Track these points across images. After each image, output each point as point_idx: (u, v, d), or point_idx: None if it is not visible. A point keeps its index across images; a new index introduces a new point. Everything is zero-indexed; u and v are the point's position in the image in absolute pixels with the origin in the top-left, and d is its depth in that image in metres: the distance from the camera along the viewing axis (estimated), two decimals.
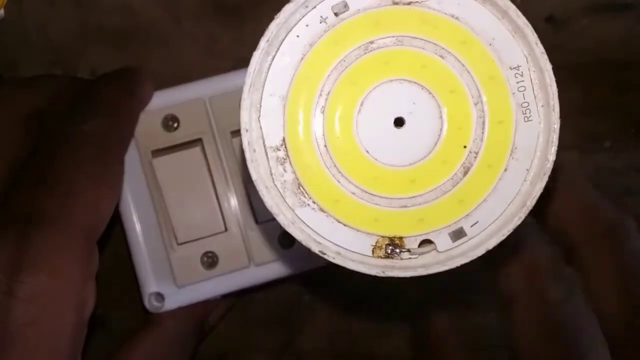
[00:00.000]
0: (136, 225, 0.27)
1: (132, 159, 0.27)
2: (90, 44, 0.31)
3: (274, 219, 0.27)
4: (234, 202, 0.28)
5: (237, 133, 0.27)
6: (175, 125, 0.27)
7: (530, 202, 0.20)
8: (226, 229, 0.28)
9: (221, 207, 0.28)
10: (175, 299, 0.28)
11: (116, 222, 0.28)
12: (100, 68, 0.31)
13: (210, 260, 0.28)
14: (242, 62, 0.28)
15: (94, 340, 0.24)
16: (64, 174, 0.23)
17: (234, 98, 0.27)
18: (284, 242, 0.28)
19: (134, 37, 0.31)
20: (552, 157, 0.20)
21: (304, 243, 0.20)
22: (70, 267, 0.22)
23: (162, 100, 0.27)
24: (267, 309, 0.31)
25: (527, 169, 0.20)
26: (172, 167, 0.27)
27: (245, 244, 0.27)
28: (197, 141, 0.28)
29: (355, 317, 0.32)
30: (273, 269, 0.28)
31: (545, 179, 0.20)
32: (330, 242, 0.20)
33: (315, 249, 0.20)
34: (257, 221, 0.28)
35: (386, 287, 0.31)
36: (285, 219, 0.20)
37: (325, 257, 0.20)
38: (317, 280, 0.31)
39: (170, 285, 0.27)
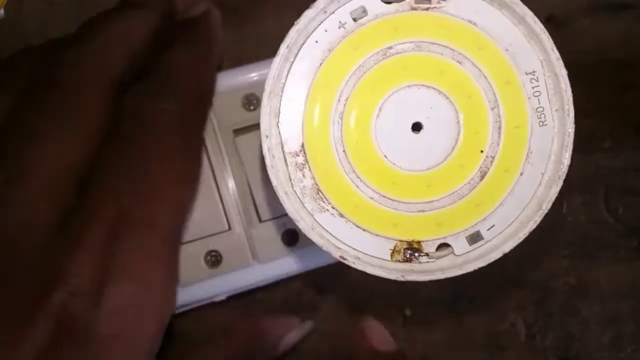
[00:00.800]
0: None
1: None
2: None
3: (277, 217, 0.27)
4: (237, 200, 0.28)
5: (240, 131, 0.27)
6: None
7: (546, 206, 0.20)
8: (230, 228, 0.27)
9: (224, 205, 0.27)
10: (179, 298, 0.27)
11: None
12: None
13: (213, 259, 0.27)
14: (242, 61, 0.28)
15: None
16: (149, 168, 0.21)
17: (236, 96, 0.27)
18: (288, 240, 0.28)
19: None
20: (566, 161, 0.20)
21: (324, 248, 0.20)
22: (156, 275, 0.21)
23: None
24: (267, 309, 0.31)
25: (542, 173, 0.20)
26: None
27: (249, 242, 0.27)
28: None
29: (355, 317, 0.31)
30: (277, 266, 0.28)
31: (560, 182, 0.20)
32: (350, 246, 0.21)
33: (335, 254, 0.20)
34: (260, 219, 0.28)
35: (386, 287, 0.31)
36: (305, 225, 0.20)
37: (345, 262, 0.20)
38: (317, 281, 0.31)
39: None
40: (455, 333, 0.31)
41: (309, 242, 0.27)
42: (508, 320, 0.31)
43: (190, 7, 0.26)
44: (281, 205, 0.20)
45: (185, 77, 0.23)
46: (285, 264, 0.28)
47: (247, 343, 0.27)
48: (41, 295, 0.20)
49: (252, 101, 0.27)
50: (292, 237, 0.28)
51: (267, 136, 0.20)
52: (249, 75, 0.27)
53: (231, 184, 0.27)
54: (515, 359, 0.29)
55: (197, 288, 0.28)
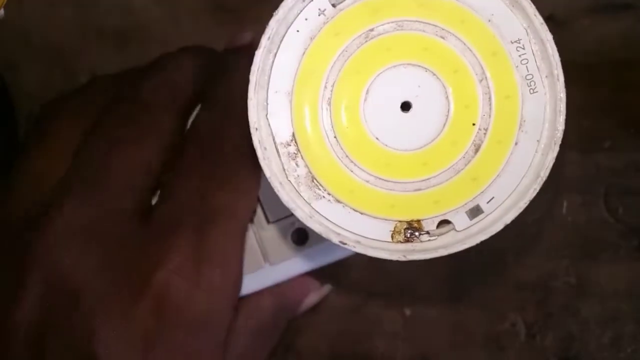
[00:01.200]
0: None
1: None
2: (90, 44, 0.31)
3: (285, 217, 0.27)
4: None
5: None
6: None
7: (544, 173, 0.20)
8: None
9: None
10: None
11: None
12: (100, 68, 0.31)
13: None
14: None
15: None
16: (231, 171, 0.24)
17: None
18: (298, 239, 0.28)
19: (134, 37, 0.31)
20: (561, 127, 0.20)
21: (323, 235, 0.20)
22: (235, 261, 0.24)
23: None
24: None
25: (537, 141, 0.20)
26: None
27: (259, 245, 0.28)
28: None
29: (356, 318, 0.32)
30: (289, 267, 0.28)
31: (557, 148, 0.20)
32: (349, 231, 0.20)
33: (335, 239, 0.20)
34: (268, 221, 0.28)
35: (386, 288, 0.31)
36: (303, 213, 0.20)
37: (345, 246, 0.20)
38: (317, 281, 0.31)
39: None
40: (455, 333, 0.31)
41: (319, 241, 0.27)
42: (508, 320, 0.31)
43: (236, 36, 0.29)
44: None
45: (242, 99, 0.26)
46: (296, 264, 0.28)
47: (271, 305, 0.28)
48: (145, 275, 0.22)
49: None
50: (302, 236, 0.28)
51: (256, 129, 0.20)
52: None
53: None
54: (515, 359, 0.29)
55: None
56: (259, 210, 0.28)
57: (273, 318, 0.29)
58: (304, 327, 0.32)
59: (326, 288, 0.31)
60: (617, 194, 0.30)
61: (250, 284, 0.28)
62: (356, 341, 0.32)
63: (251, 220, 0.27)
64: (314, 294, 0.31)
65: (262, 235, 0.27)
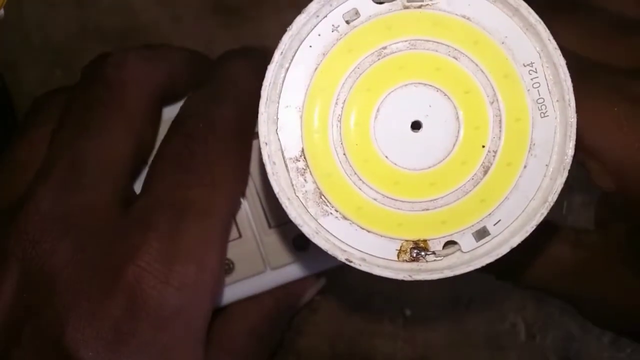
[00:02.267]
0: None
1: None
2: (90, 44, 0.31)
3: (287, 223, 0.27)
4: (246, 207, 0.28)
5: None
6: None
7: (552, 198, 0.20)
8: (240, 235, 0.28)
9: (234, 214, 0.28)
10: None
11: None
12: None
13: (226, 267, 0.28)
14: None
15: None
16: (212, 164, 0.23)
17: None
18: (299, 244, 0.28)
19: (134, 37, 0.31)
20: (570, 152, 0.20)
21: (329, 252, 0.20)
22: (213, 259, 0.23)
23: (166, 115, 0.27)
24: None
25: (546, 165, 0.20)
26: None
27: (260, 249, 0.27)
28: None
29: (356, 318, 0.32)
30: (289, 271, 0.28)
31: (565, 173, 0.20)
32: (355, 249, 0.21)
33: (341, 257, 0.20)
34: (270, 225, 0.28)
35: (386, 287, 0.31)
36: (309, 230, 0.20)
37: (351, 264, 0.20)
38: None
39: None
40: (455, 333, 0.31)
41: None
42: (508, 320, 0.31)
43: None
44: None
45: (239, 86, 0.25)
46: (297, 268, 0.28)
47: (271, 306, 0.28)
48: (117, 270, 0.22)
49: None
50: (303, 241, 0.28)
51: (266, 143, 0.20)
52: None
53: None
54: (515, 359, 0.29)
55: None
56: (261, 215, 0.28)
57: (273, 318, 0.29)
58: (304, 327, 0.32)
59: (322, 281, 0.31)
60: None
61: (251, 287, 0.28)
62: (356, 341, 0.33)
63: (234, 217, 0.26)
64: (312, 289, 0.31)
65: (263, 239, 0.27)
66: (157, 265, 0.22)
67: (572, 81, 0.19)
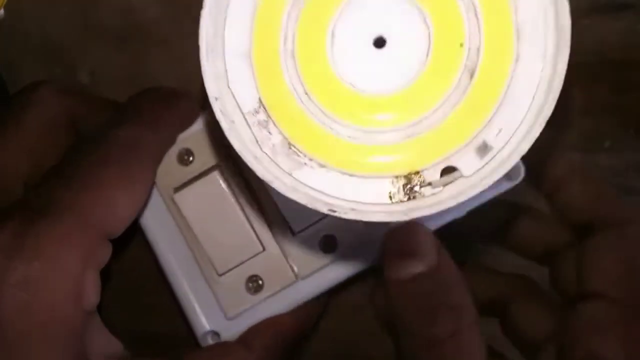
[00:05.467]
0: (177, 271, 0.26)
1: (156, 205, 0.26)
2: (90, 44, 0.30)
3: (311, 225, 0.25)
4: (265, 218, 0.26)
5: None
6: (191, 158, 0.26)
7: (558, 84, 0.16)
8: (264, 248, 0.25)
9: (253, 226, 0.25)
10: (230, 331, 0.26)
11: None
12: (100, 68, 0.31)
13: (255, 285, 0.25)
14: None
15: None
16: (85, 171, 0.23)
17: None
18: (326, 246, 0.25)
19: (134, 37, 0.30)
20: (567, 22, 0.16)
21: (309, 206, 0.17)
22: (69, 256, 0.22)
23: None
24: None
25: (542, 49, 0.16)
26: (195, 198, 0.25)
27: (287, 259, 0.25)
28: (215, 166, 0.26)
29: (356, 317, 0.31)
30: (320, 279, 0.25)
31: (567, 52, 0.16)
32: (341, 199, 0.18)
33: (323, 209, 0.17)
34: (293, 233, 0.25)
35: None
36: (283, 186, 0.18)
37: (336, 214, 0.17)
38: None
39: (221, 320, 0.25)
40: None
41: (349, 244, 0.24)
42: None
43: None
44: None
45: (142, 113, 0.26)
46: (328, 274, 0.25)
47: (291, 325, 0.26)
48: None
49: None
50: (330, 242, 0.25)
51: (216, 98, 0.18)
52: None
53: (256, 203, 0.25)
54: (515, 358, 0.26)
55: (246, 316, 0.26)
56: (282, 223, 0.25)
57: (292, 339, 0.27)
58: None
59: (324, 300, 0.29)
60: (617, 194, 0.28)
61: (283, 301, 0.25)
62: (356, 341, 0.32)
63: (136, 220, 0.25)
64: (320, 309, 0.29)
65: (288, 248, 0.25)
66: None
67: None
